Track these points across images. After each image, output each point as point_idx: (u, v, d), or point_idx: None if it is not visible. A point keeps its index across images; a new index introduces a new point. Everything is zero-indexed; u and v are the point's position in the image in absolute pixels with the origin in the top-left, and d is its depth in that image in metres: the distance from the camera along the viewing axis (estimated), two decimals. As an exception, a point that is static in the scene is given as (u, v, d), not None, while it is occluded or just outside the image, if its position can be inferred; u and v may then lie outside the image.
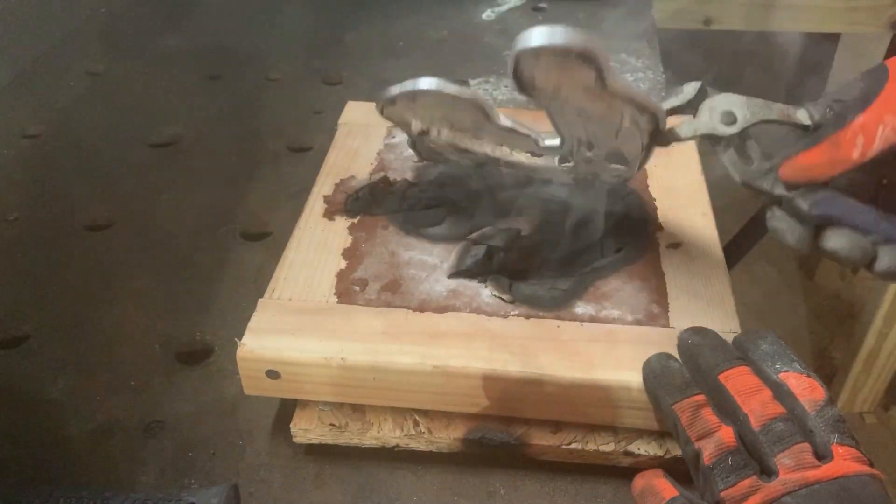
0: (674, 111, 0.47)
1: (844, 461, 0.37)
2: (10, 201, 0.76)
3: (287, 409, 0.53)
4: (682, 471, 0.42)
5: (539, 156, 0.53)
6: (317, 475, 0.52)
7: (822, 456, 0.38)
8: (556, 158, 0.53)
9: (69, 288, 0.66)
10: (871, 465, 0.38)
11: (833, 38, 1.96)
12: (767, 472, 0.38)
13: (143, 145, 0.84)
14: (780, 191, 0.42)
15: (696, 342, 0.45)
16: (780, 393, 0.41)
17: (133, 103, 0.91)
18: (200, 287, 0.66)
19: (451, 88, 0.48)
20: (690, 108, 0.46)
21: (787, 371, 0.41)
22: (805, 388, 0.40)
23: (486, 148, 0.54)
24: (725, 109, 0.45)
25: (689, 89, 0.46)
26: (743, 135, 0.45)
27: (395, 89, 0.50)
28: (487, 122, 0.51)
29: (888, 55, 1.43)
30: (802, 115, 0.43)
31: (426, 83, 0.48)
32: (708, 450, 0.39)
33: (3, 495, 0.45)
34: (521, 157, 0.54)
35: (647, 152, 0.49)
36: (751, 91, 0.46)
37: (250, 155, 0.82)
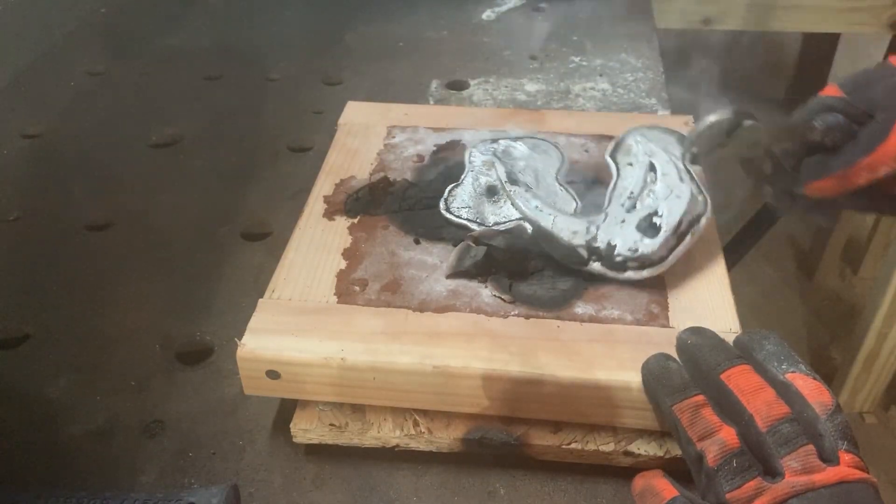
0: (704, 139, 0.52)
1: (848, 467, 0.38)
2: (10, 201, 0.76)
3: (287, 409, 0.53)
4: (682, 471, 0.42)
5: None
6: (317, 475, 0.52)
7: (826, 459, 0.38)
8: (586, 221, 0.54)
9: (69, 288, 0.66)
10: (867, 471, 0.39)
11: (833, 38, 1.96)
12: (771, 473, 0.38)
13: (143, 145, 0.84)
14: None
15: (696, 342, 0.45)
16: (787, 393, 0.41)
17: (133, 103, 0.91)
18: (200, 287, 0.66)
19: None
20: (721, 139, 0.52)
21: (795, 372, 0.41)
22: (813, 390, 0.41)
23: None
24: (751, 140, 0.51)
25: (718, 120, 0.51)
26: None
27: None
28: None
29: (888, 55, 1.43)
30: (816, 135, 0.48)
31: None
32: (712, 452, 0.39)
33: (4, 495, 0.45)
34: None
35: (679, 239, 0.52)
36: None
37: (250, 155, 0.82)
